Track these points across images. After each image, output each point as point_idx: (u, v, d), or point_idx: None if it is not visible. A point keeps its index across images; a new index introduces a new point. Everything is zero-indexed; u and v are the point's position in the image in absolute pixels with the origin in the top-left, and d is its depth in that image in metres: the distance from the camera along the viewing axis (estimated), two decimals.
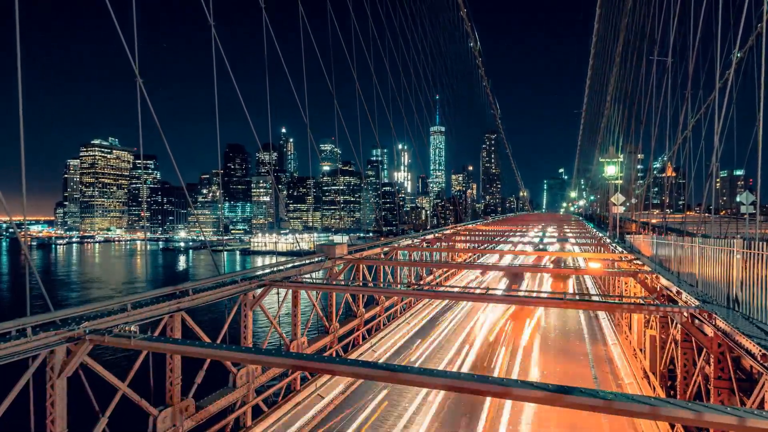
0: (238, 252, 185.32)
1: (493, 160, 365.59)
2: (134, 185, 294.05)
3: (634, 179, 43.73)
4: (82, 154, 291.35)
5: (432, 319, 25.59)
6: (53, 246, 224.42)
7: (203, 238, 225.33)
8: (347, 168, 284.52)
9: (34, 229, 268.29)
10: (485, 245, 43.03)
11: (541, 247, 40.29)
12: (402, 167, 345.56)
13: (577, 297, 22.13)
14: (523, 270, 39.03)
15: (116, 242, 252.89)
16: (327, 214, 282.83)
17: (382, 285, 22.06)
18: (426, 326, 24.39)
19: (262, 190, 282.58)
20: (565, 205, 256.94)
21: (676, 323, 11.18)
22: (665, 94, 24.15)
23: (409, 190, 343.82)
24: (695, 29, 19.08)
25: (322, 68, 21.88)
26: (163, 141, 12.67)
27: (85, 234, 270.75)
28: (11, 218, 8.68)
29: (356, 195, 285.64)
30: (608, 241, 34.32)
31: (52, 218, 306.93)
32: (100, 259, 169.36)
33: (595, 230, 53.75)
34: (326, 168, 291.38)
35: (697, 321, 10.01)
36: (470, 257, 44.41)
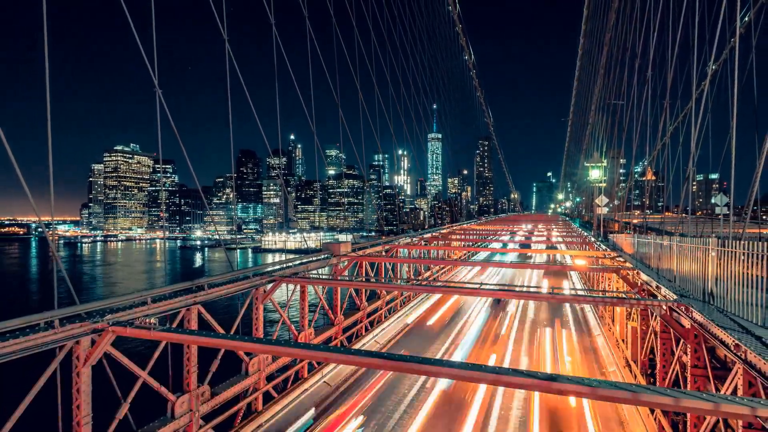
0: (250, 250, 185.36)
1: (486, 165, 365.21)
2: (154, 188, 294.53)
3: (617, 182, 43.76)
4: (105, 159, 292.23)
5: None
6: (79, 244, 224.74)
7: (218, 237, 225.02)
8: (351, 172, 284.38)
9: (61, 229, 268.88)
10: (479, 243, 43.00)
11: (530, 245, 40.23)
12: (402, 171, 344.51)
13: (564, 292, 22.06)
14: (514, 267, 38.90)
15: (137, 241, 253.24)
16: (332, 214, 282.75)
17: (383, 280, 22.04)
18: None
19: (272, 192, 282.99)
20: (552, 206, 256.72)
21: (656, 316, 11.15)
22: (646, 104, 24.19)
23: (408, 192, 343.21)
24: (673, 43, 19.12)
25: (328, 80, 21.95)
26: (181, 147, 12.64)
27: (109, 233, 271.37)
28: (40, 218, 8.63)
29: (359, 197, 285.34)
30: (593, 239, 34.25)
31: (78, 218, 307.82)
32: (122, 257, 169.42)
33: (580, 229, 53.65)
34: (332, 172, 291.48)
35: (675, 314, 9.99)
36: (465, 254, 44.39)
